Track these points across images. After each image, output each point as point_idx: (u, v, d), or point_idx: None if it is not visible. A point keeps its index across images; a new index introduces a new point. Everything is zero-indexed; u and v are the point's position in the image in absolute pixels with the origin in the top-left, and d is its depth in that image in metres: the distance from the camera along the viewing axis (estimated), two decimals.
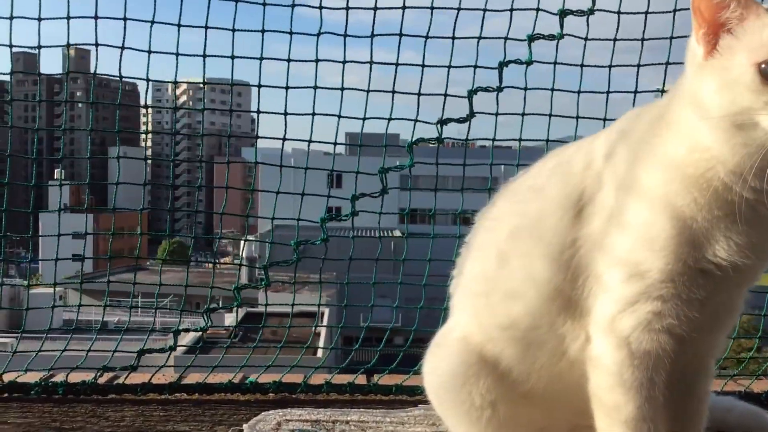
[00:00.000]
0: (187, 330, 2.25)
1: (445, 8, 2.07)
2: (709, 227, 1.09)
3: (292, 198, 2.18)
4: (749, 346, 2.35)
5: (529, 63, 2.08)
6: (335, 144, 2.28)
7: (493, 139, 2.28)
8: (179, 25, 2.09)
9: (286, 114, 2.13)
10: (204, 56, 2.10)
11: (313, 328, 2.70)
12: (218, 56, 2.09)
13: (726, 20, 1.05)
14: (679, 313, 1.12)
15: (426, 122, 2.12)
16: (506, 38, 2.07)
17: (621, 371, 1.14)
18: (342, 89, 2.14)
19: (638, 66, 2.16)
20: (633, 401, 1.14)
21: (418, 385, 1.91)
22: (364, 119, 2.15)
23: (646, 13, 2.10)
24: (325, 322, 5.64)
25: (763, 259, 1.15)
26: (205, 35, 2.06)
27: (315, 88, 2.11)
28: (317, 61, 2.11)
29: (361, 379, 2.14)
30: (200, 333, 2.26)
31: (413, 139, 2.14)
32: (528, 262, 1.26)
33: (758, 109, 1.00)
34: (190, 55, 2.06)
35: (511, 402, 1.31)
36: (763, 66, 1.00)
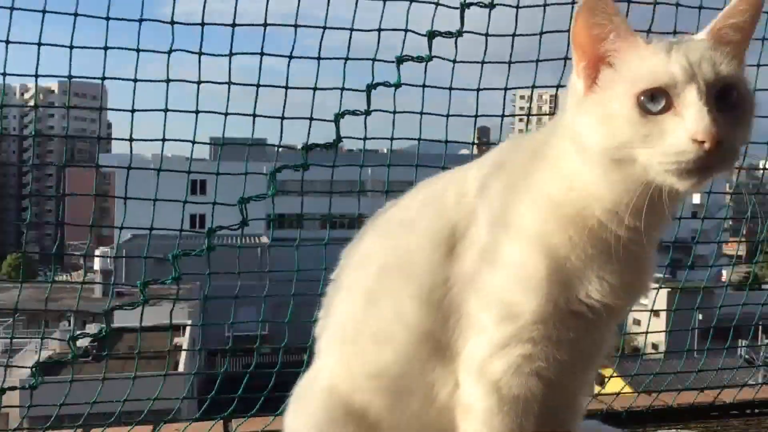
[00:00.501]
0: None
1: (310, 26, 1.99)
2: (583, 267, 1.07)
3: (150, 206, 2.06)
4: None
5: (397, 86, 2.02)
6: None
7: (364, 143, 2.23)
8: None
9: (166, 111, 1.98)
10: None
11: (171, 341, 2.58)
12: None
13: (605, 53, 1.02)
14: (549, 355, 1.09)
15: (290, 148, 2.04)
16: (374, 59, 2.01)
17: (491, 418, 1.11)
18: (199, 82, 2.00)
19: (505, 89, 2.17)
20: None
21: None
22: (226, 116, 2.05)
23: (513, 35, 2.09)
24: (186, 335, 5.42)
25: (634, 299, 1.15)
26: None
27: (167, 81, 1.95)
28: (170, 52, 1.92)
29: (218, 428, 1.98)
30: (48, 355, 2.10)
31: (308, 143, 2.02)
32: (397, 303, 1.19)
33: (636, 142, 0.97)
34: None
35: None
36: (641, 98, 0.97)
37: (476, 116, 2.16)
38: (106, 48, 1.91)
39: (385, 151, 2.29)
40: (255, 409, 2.03)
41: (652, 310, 2.56)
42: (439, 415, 1.18)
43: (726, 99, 0.97)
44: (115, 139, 2.15)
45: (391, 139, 2.15)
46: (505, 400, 1.10)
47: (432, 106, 2.16)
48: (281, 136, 2.13)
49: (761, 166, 2.51)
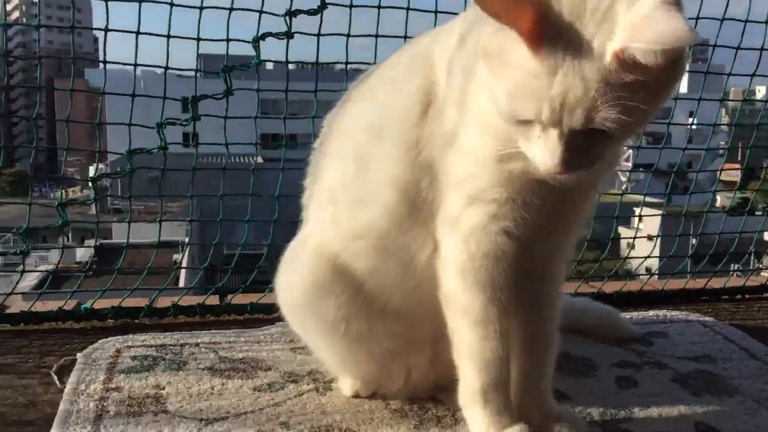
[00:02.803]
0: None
1: None
2: None
3: (144, 122, 2.02)
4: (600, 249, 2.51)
5: None
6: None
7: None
8: None
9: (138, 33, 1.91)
10: None
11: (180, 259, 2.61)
12: None
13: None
14: (515, 216, 1.09)
15: (274, 14, 1.94)
16: None
17: (464, 273, 1.14)
18: None
19: None
20: (478, 303, 1.15)
21: (274, 303, 1.87)
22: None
23: None
24: (186, 252, 5.48)
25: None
26: None
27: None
28: None
29: (212, 300, 2.03)
30: (46, 271, 2.12)
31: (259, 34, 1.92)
32: (379, 164, 1.21)
33: (517, 135, 0.96)
34: None
35: (366, 317, 1.29)
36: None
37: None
38: None
39: None
40: (248, 282, 2.11)
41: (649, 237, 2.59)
42: (421, 279, 1.22)
43: (595, 132, 0.88)
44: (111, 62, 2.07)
45: None
46: (476, 257, 1.13)
47: None
48: None
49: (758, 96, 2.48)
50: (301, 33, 1.95)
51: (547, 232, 1.15)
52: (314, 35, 2.00)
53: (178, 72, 2.14)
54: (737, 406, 1.42)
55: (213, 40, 2.01)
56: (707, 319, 1.99)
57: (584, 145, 0.91)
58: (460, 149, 1.11)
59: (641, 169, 3.03)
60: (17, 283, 1.93)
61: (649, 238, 2.69)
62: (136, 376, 1.49)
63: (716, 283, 2.31)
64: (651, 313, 2.01)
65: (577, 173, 0.95)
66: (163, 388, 1.43)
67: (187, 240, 3.15)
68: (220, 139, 2.07)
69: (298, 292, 1.33)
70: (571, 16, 0.86)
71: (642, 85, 0.85)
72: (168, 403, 1.36)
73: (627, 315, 1.94)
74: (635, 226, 2.70)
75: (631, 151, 2.62)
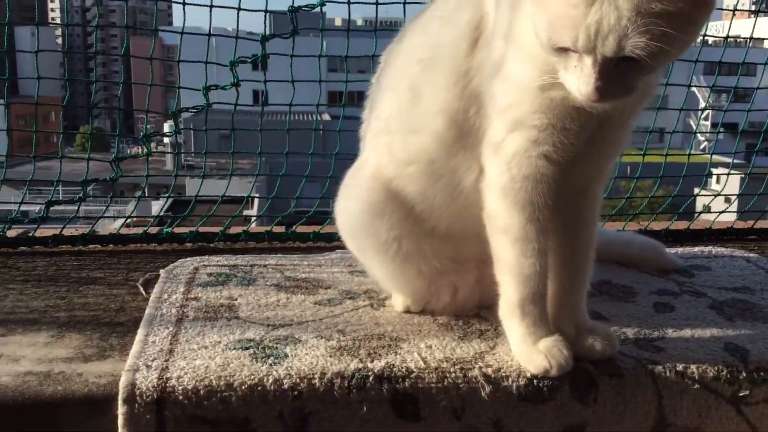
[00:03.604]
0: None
1: None
2: None
3: (212, 80, 2.07)
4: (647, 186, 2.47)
5: None
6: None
7: None
8: None
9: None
10: None
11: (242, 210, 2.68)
12: None
13: None
14: (555, 140, 1.16)
15: None
16: None
17: (506, 193, 1.21)
18: None
19: None
20: (518, 222, 1.21)
21: (335, 232, 1.98)
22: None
23: None
24: (255, 208, 5.62)
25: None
26: None
27: None
28: None
29: (279, 229, 2.18)
30: (128, 217, 2.22)
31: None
32: (431, 94, 1.28)
33: (556, 63, 1.04)
34: None
35: (416, 238, 1.38)
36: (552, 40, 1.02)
37: None
38: None
39: None
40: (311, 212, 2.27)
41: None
42: (466, 203, 1.30)
43: (627, 62, 0.97)
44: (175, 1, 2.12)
45: None
46: (517, 178, 1.20)
47: None
48: None
49: None
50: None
51: (584, 157, 1.21)
52: None
53: (248, 31, 2.17)
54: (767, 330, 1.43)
55: None
56: (751, 255, 1.98)
57: (618, 75, 0.99)
58: (505, 78, 1.17)
59: (722, 129, 2.90)
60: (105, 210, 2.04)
61: (726, 199, 2.58)
62: (211, 288, 1.62)
63: (765, 224, 2.30)
64: (696, 249, 2.02)
65: (612, 102, 1.05)
66: (236, 299, 1.56)
67: (257, 195, 3.22)
68: (288, 97, 2.13)
69: (355, 213, 1.43)
70: None
71: (671, 15, 0.92)
72: (240, 311, 1.49)
73: (672, 250, 1.94)
74: (712, 187, 2.60)
75: (710, 111, 2.51)
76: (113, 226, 2.36)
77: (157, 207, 12.04)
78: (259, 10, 2.03)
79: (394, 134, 1.37)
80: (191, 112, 2.16)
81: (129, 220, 2.23)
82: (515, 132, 1.18)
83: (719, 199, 2.50)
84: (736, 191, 2.62)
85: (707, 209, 2.43)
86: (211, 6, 2.05)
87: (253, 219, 2.82)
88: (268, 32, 2.02)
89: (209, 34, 2.13)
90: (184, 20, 2.14)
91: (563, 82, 1.04)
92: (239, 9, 2.06)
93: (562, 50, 1.01)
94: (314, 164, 2.24)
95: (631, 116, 1.24)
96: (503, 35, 1.17)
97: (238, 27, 2.11)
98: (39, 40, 2.25)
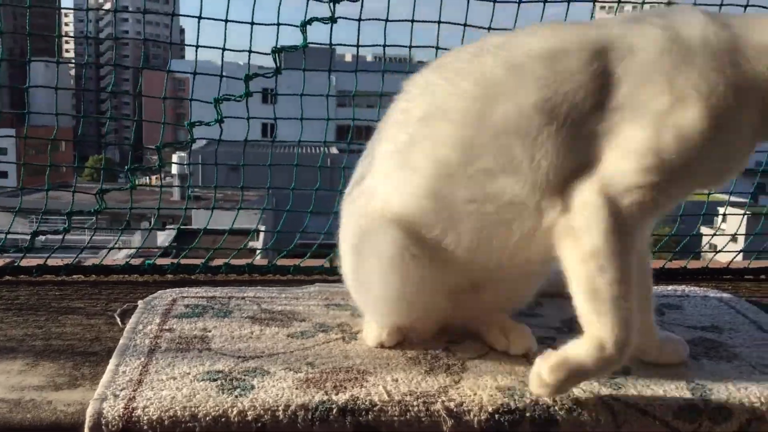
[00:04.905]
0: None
1: None
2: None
3: (223, 112, 2.11)
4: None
5: None
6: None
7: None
8: None
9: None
10: None
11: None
12: None
13: None
14: (666, 204, 1.24)
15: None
16: None
17: (614, 232, 1.18)
18: None
19: None
20: (623, 258, 1.19)
21: (315, 266, 2.07)
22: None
23: None
24: (260, 240, 5.63)
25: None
26: None
27: None
28: None
29: (260, 262, 2.21)
30: (136, 248, 2.23)
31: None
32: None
33: None
34: None
35: (429, 261, 1.33)
36: None
37: None
38: None
39: None
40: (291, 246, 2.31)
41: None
42: (528, 240, 1.27)
43: None
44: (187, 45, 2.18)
45: None
46: (636, 216, 1.20)
47: None
48: None
49: None
50: (343, 18, 2.00)
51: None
52: (355, 20, 2.06)
53: (258, 65, 2.20)
54: (732, 369, 1.44)
55: (265, 24, 2.12)
56: (724, 294, 1.96)
57: None
58: (645, 119, 1.18)
59: None
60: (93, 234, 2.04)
61: (733, 238, 2.58)
62: (187, 320, 1.64)
63: (742, 263, 2.29)
64: (670, 287, 2.01)
65: None
66: (209, 331, 1.57)
67: (262, 228, 3.23)
68: (297, 128, 2.18)
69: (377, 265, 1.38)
70: None
71: None
72: (212, 342, 1.51)
73: (657, 289, 1.90)
74: (717, 225, 2.60)
75: None
76: (118, 256, 2.37)
77: (162, 237, 12.06)
78: (266, 53, 2.07)
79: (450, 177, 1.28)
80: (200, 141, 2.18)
81: (135, 251, 2.24)
82: (642, 190, 1.18)
83: (724, 239, 2.49)
84: (741, 230, 2.61)
85: (713, 248, 2.42)
86: (224, 49, 2.12)
87: (258, 251, 2.83)
88: (277, 66, 2.06)
89: (221, 75, 2.18)
90: (196, 59, 2.19)
91: None
92: (250, 52, 2.14)
93: None
94: (321, 197, 2.26)
95: None
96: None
97: (249, 63, 2.15)
98: (54, 73, 2.28)
